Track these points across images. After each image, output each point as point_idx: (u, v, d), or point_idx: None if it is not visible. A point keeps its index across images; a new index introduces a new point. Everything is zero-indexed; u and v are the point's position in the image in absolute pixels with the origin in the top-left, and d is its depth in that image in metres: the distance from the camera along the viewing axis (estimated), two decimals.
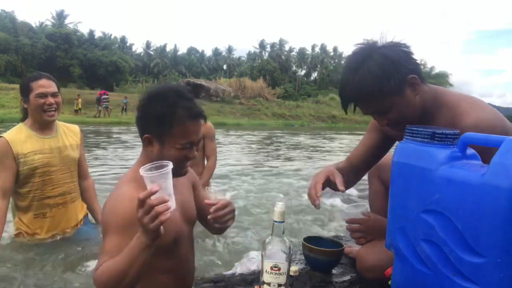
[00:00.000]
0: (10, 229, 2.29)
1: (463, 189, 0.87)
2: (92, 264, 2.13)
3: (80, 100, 24.40)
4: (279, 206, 1.14)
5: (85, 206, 2.50)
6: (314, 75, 71.16)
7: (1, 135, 2.16)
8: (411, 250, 1.01)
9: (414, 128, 1.03)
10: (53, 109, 2.16)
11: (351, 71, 1.17)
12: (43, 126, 2.22)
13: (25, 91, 2.14)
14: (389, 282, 1.15)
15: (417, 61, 1.21)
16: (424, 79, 1.22)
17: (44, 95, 2.12)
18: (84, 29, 57.32)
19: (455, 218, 0.89)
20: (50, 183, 2.22)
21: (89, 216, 2.54)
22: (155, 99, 1.16)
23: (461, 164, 0.93)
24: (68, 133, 2.37)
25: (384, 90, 1.13)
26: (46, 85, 2.15)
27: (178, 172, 1.21)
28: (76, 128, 2.45)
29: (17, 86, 27.58)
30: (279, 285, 1.10)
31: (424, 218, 0.96)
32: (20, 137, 2.15)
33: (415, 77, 1.16)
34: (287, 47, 70.94)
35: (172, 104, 1.13)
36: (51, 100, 2.14)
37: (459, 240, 0.89)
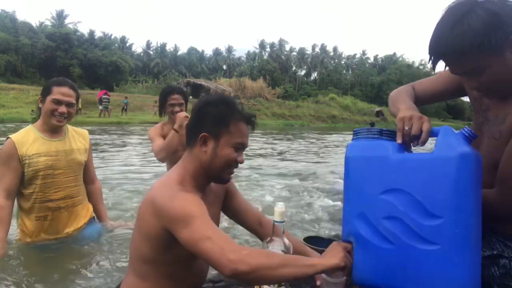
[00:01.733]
0: (13, 230, 2.30)
1: (418, 165, 1.04)
2: (90, 266, 2.13)
3: (80, 100, 24.34)
4: (279, 206, 1.14)
5: (90, 210, 2.49)
6: (314, 75, 71.29)
7: (9, 135, 2.18)
8: (373, 231, 1.10)
9: (360, 129, 1.18)
10: (63, 117, 2.19)
11: (448, 25, 1.04)
12: (52, 128, 2.23)
13: (45, 92, 2.18)
14: None
15: None
16: None
17: (59, 102, 2.15)
18: (84, 29, 57.65)
19: (413, 190, 1.04)
20: (53, 186, 2.21)
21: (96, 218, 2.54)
22: (214, 101, 1.26)
23: (408, 151, 1.12)
24: (76, 137, 2.38)
25: (483, 47, 1.00)
26: (65, 93, 2.18)
27: (223, 178, 1.28)
28: (85, 132, 2.48)
29: (17, 86, 27.52)
30: (279, 285, 1.10)
31: (383, 198, 1.08)
32: (28, 139, 2.17)
33: None
34: (287, 47, 71.07)
35: (231, 104, 1.25)
36: (63, 109, 2.17)
37: (418, 209, 1.02)
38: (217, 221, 1.38)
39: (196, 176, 1.25)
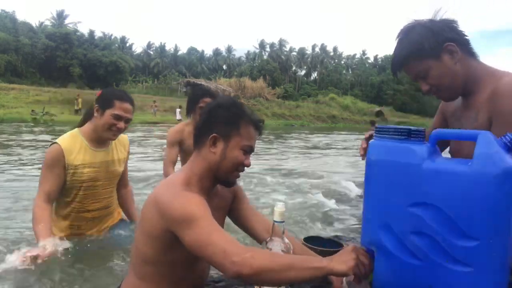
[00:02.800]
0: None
1: (453, 179, 0.94)
2: (92, 265, 2.14)
3: (80, 100, 24.39)
4: (279, 206, 1.14)
5: (120, 213, 2.48)
6: (314, 75, 71.23)
7: (56, 141, 2.11)
8: (398, 244, 1.02)
9: (385, 127, 1.07)
10: (119, 132, 2.16)
11: (397, 41, 1.34)
12: (102, 140, 2.19)
13: (105, 104, 2.09)
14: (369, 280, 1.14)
15: (463, 34, 1.28)
16: (473, 53, 1.29)
17: (119, 118, 2.10)
18: (84, 29, 57.58)
19: (447, 207, 0.94)
20: (92, 197, 2.20)
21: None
22: (225, 103, 1.28)
23: (440, 158, 1.01)
24: (118, 146, 2.33)
25: (419, 52, 1.26)
26: (127, 109, 2.12)
27: (229, 180, 1.28)
28: (125, 139, 2.41)
29: (17, 86, 27.39)
30: (279, 285, 1.11)
31: (412, 212, 0.99)
32: (75, 147, 2.12)
33: (452, 44, 1.25)
34: (287, 47, 71.02)
35: (242, 108, 1.28)
36: (122, 125, 2.12)
37: (451, 228, 0.93)
38: (221, 226, 1.35)
39: (202, 177, 1.25)
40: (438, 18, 1.29)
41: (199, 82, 35.02)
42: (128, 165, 2.50)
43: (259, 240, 1.37)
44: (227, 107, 1.26)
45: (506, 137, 0.92)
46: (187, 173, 1.25)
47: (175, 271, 1.24)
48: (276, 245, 1.13)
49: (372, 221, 1.08)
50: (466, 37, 1.29)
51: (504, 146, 0.92)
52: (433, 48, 1.25)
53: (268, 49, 71.27)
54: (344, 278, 1.15)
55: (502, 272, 0.93)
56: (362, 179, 1.32)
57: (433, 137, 1.01)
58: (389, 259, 1.04)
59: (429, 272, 0.98)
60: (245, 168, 1.27)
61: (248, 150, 1.25)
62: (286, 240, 1.15)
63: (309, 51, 71.91)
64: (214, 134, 1.23)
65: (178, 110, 24.81)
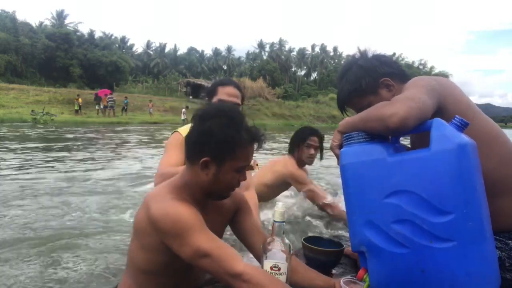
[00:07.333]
0: None
1: (418, 162, 1.02)
2: (90, 267, 2.13)
3: (80, 100, 24.41)
4: (280, 206, 1.14)
5: None
6: (314, 75, 71.26)
7: (178, 130, 2.14)
8: (384, 237, 1.07)
9: (351, 134, 1.16)
10: None
11: (338, 81, 1.51)
12: None
13: (210, 93, 2.13)
14: (365, 286, 1.15)
15: (395, 66, 1.42)
16: (408, 78, 1.36)
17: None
18: (84, 29, 57.59)
19: (418, 189, 1.00)
20: None
21: None
22: (220, 121, 1.11)
23: (403, 151, 1.11)
24: None
25: (359, 90, 1.41)
26: (231, 93, 2.10)
27: (223, 196, 1.22)
28: None
29: (17, 86, 27.27)
30: None
31: (389, 202, 1.05)
32: None
33: (387, 79, 1.38)
34: (286, 47, 71.05)
35: (239, 126, 1.12)
36: None
37: (427, 208, 0.99)
38: (219, 234, 1.32)
39: (192, 190, 1.20)
40: (370, 54, 1.44)
41: (199, 82, 34.98)
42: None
43: (256, 256, 1.31)
44: (221, 127, 1.10)
45: (455, 119, 1.01)
46: (178, 183, 1.20)
47: (171, 279, 1.23)
48: (276, 245, 1.13)
49: (356, 222, 1.12)
50: (399, 67, 1.41)
51: (455, 126, 1.00)
52: (370, 85, 1.39)
53: (267, 49, 71.30)
54: (342, 280, 1.15)
55: (485, 240, 0.96)
56: None
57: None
58: (380, 255, 1.08)
59: (418, 257, 1.02)
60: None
61: (243, 170, 1.17)
62: (286, 240, 1.15)
63: (309, 51, 71.97)
64: (205, 159, 1.12)
65: (183, 110, 25.15)
